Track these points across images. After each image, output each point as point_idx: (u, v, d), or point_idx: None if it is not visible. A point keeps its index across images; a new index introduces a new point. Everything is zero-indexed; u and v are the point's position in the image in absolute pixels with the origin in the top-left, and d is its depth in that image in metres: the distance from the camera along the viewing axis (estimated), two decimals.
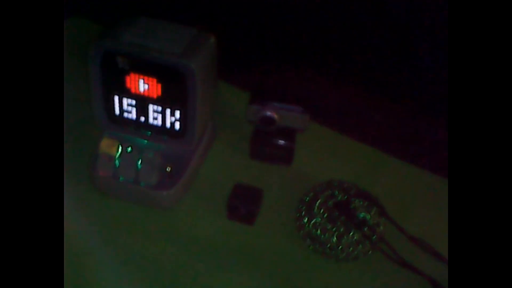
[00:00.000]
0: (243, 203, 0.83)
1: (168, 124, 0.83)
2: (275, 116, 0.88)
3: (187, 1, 1.05)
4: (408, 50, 0.91)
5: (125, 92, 0.81)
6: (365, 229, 0.80)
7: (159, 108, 0.82)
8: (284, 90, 0.91)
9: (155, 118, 0.83)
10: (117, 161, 0.84)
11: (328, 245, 0.79)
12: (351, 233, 0.79)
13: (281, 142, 0.91)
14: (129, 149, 0.84)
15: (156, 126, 0.84)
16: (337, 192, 0.84)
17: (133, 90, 0.81)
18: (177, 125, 0.82)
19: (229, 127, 0.98)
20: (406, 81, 0.94)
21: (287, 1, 0.95)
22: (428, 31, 0.86)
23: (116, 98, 0.83)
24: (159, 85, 0.79)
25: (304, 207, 0.83)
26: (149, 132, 0.85)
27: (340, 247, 0.79)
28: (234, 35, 1.02)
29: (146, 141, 0.86)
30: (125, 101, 0.82)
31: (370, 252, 0.80)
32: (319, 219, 0.81)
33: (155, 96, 0.80)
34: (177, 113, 0.81)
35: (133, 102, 0.82)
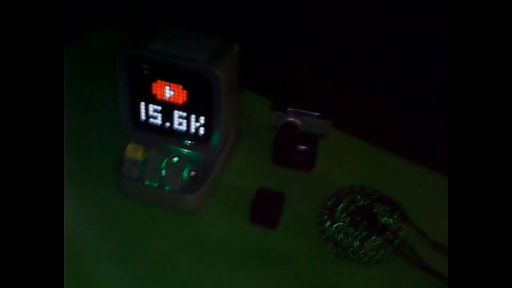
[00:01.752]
0: (266, 207, 0.84)
1: (192, 130, 0.85)
2: (298, 122, 0.89)
3: (211, 10, 1.07)
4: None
5: (151, 98, 0.83)
6: (387, 233, 0.80)
7: (184, 114, 0.84)
8: (306, 97, 0.92)
9: (180, 124, 0.85)
10: (142, 166, 0.86)
11: (350, 249, 0.80)
12: (373, 238, 0.80)
13: (303, 147, 0.92)
14: (154, 154, 0.86)
15: (181, 132, 0.86)
16: (359, 197, 0.85)
17: (159, 97, 0.83)
18: (202, 131, 0.84)
19: (252, 133, 0.99)
20: (429, 88, 0.94)
21: (307, 11, 0.97)
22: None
23: (142, 104, 0.85)
24: (185, 92, 0.81)
25: (326, 212, 0.84)
26: (174, 138, 0.86)
27: (362, 251, 0.80)
28: (257, 43, 1.04)
29: (171, 146, 0.87)
30: (151, 107, 0.84)
31: (392, 256, 0.80)
32: (341, 223, 0.82)
33: (180, 102, 0.82)
34: (202, 119, 0.83)
35: (159, 108, 0.84)
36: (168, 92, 0.82)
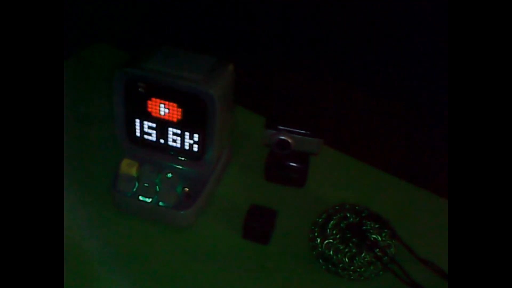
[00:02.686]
0: (258, 223, 0.86)
1: (186, 147, 0.86)
2: (290, 140, 0.90)
3: (207, 31, 1.08)
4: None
5: (146, 116, 0.85)
6: (377, 250, 0.82)
7: (179, 131, 0.85)
8: (299, 115, 0.94)
9: (174, 141, 0.86)
10: (136, 181, 0.87)
11: (340, 265, 0.81)
12: (363, 254, 0.81)
13: (295, 165, 0.94)
14: (149, 169, 0.87)
15: (175, 149, 0.87)
16: (349, 214, 0.87)
17: (153, 114, 0.84)
18: (196, 148, 0.86)
19: (245, 150, 1.01)
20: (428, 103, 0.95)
21: (299, 31, 0.99)
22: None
23: (138, 121, 0.86)
24: (179, 110, 0.83)
25: (317, 228, 0.86)
26: (169, 154, 0.88)
27: (352, 267, 0.81)
28: (251, 63, 1.05)
29: (165, 162, 0.89)
30: (146, 124, 0.86)
31: (381, 272, 0.82)
32: (332, 240, 0.83)
33: (175, 120, 0.84)
34: (196, 137, 0.85)
35: (154, 125, 0.86)
36: (163, 110, 0.83)
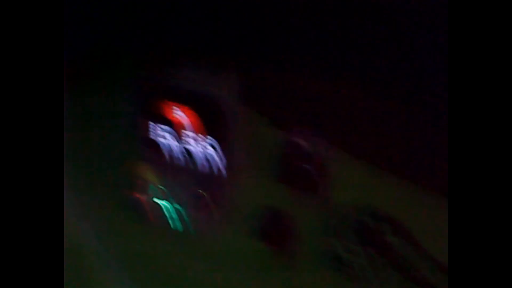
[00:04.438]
0: (274, 227, 0.86)
1: (201, 149, 0.87)
2: (305, 143, 0.90)
3: (211, 33, 1.09)
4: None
5: (160, 119, 0.86)
6: (391, 252, 0.81)
7: (193, 134, 0.86)
8: (313, 118, 0.93)
9: (189, 144, 0.87)
10: (151, 184, 0.88)
11: (357, 268, 0.81)
12: (377, 255, 0.81)
13: (310, 168, 0.93)
14: (164, 172, 0.88)
15: (190, 152, 0.88)
16: (364, 217, 0.86)
17: (167, 117, 0.85)
18: (210, 151, 0.86)
19: (260, 153, 1.00)
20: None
21: (303, 31, 0.98)
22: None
23: (152, 124, 0.87)
24: (193, 113, 0.83)
25: (332, 231, 0.85)
26: (183, 156, 0.89)
27: (366, 268, 0.81)
28: (258, 64, 1.05)
29: (180, 165, 0.89)
30: (160, 127, 0.87)
31: (395, 273, 0.81)
32: (347, 242, 0.83)
33: (188, 122, 0.84)
34: (210, 139, 0.85)
35: (168, 128, 0.87)
36: (176, 113, 0.84)
